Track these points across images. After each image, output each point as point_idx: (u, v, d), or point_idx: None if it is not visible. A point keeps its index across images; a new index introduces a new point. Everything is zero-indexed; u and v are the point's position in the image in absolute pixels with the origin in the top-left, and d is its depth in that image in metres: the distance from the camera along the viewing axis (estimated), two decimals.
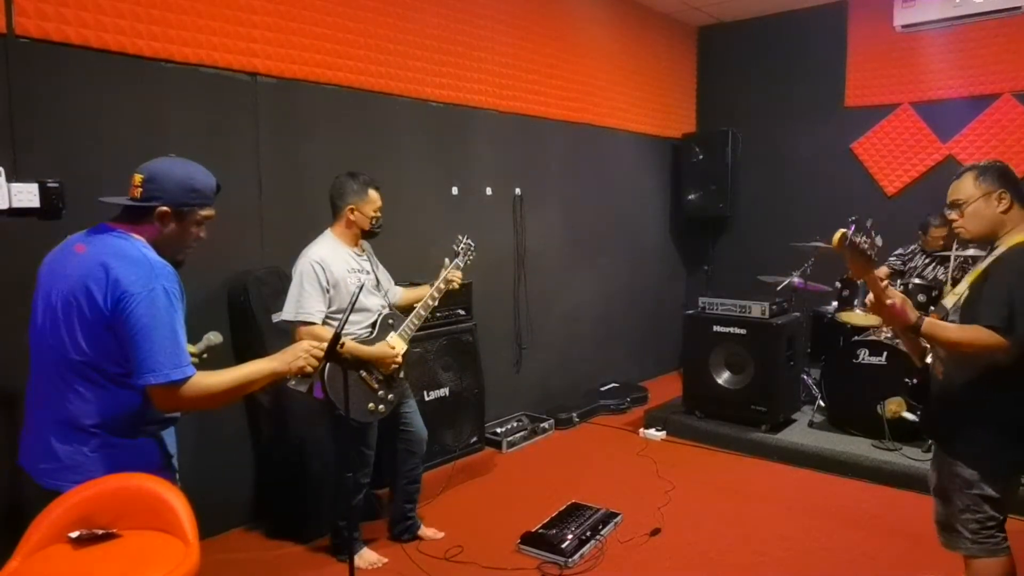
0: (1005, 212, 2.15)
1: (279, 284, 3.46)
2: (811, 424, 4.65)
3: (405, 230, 4.00)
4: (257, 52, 3.45)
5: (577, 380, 5.65)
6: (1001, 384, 2.09)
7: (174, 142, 3.01)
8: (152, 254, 1.80)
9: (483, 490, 3.99)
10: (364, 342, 2.98)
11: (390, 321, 3.09)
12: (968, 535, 2.18)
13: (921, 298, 4.19)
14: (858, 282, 4.58)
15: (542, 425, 4.90)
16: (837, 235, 1.81)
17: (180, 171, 1.86)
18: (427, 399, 4.07)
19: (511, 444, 4.60)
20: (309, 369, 1.98)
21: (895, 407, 4.17)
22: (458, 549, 3.26)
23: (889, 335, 4.40)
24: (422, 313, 3.13)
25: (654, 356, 6.52)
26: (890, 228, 5.04)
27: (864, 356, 4.36)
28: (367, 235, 3.11)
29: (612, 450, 4.64)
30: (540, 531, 3.31)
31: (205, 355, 2.18)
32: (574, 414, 5.13)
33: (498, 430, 4.71)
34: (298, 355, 1.96)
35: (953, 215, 2.26)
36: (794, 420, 4.75)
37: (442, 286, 3.15)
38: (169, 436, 1.93)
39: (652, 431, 4.86)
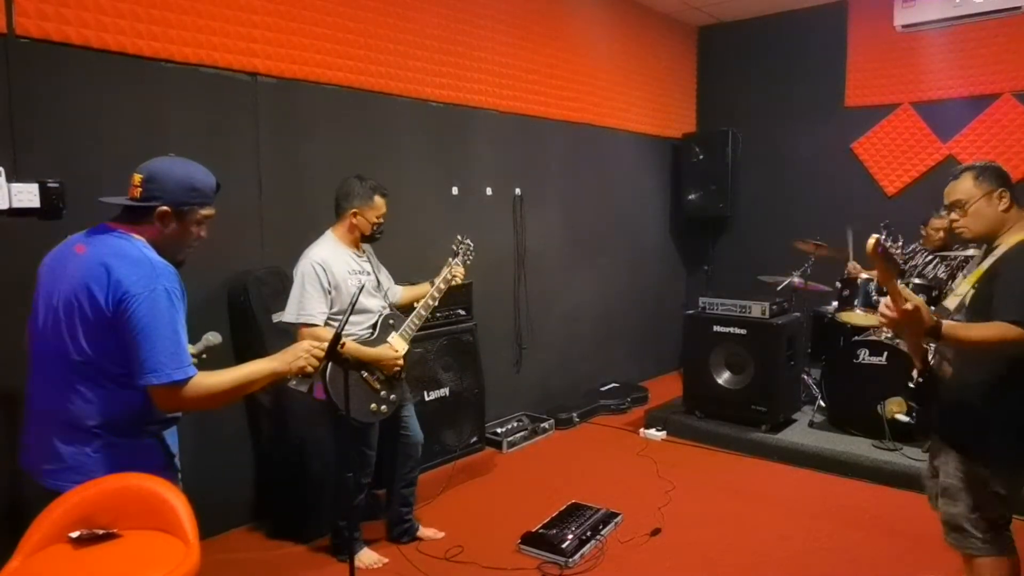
0: (1006, 211, 2.18)
1: (279, 284, 3.46)
2: (811, 424, 4.65)
3: (405, 230, 3.99)
4: (257, 52, 3.45)
5: (577, 380, 5.65)
6: (1016, 382, 2.10)
7: (174, 142, 3.01)
8: (153, 254, 1.80)
9: (483, 490, 3.99)
10: (365, 343, 2.98)
11: (391, 322, 3.09)
12: (979, 534, 2.19)
13: (921, 298, 4.18)
14: (858, 282, 4.58)
15: (542, 425, 4.90)
16: (872, 241, 1.82)
17: (180, 170, 1.86)
18: (427, 399, 4.07)
19: (511, 444, 4.60)
20: (309, 369, 1.98)
21: (895, 407, 4.16)
22: (458, 549, 3.26)
23: (889, 335, 4.40)
24: (423, 313, 3.13)
25: (654, 356, 6.52)
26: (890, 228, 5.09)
27: (864, 356, 4.36)
28: (367, 239, 3.11)
29: (612, 450, 4.64)
30: (540, 531, 3.31)
31: (204, 355, 2.18)
32: (574, 414, 5.13)
33: (498, 430, 4.71)
34: (298, 355, 1.96)
35: (954, 215, 2.26)
36: (794, 420, 4.75)
37: (442, 286, 3.15)
38: (171, 436, 1.93)
39: (652, 431, 4.86)
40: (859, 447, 4.23)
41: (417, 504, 3.43)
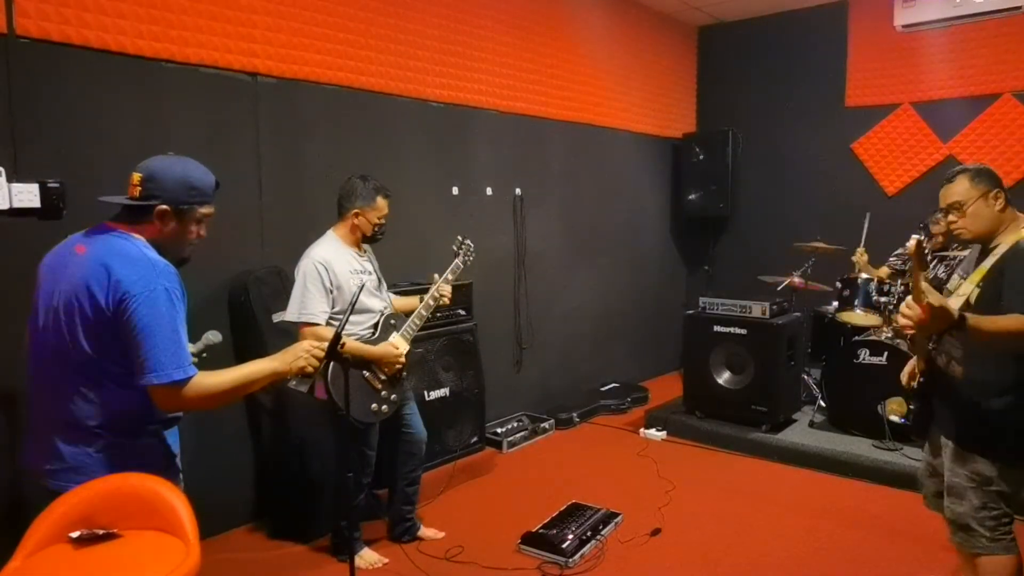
0: (1002, 211, 2.25)
1: (279, 284, 3.46)
2: (812, 424, 4.65)
3: (405, 230, 3.99)
4: (257, 52, 3.45)
5: (577, 380, 5.65)
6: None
7: (175, 142, 3.01)
8: (153, 254, 1.80)
9: (483, 490, 3.99)
10: (367, 343, 2.98)
11: (392, 321, 3.09)
12: (986, 533, 2.22)
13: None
14: (858, 282, 4.59)
15: (542, 425, 4.90)
16: (913, 242, 1.88)
17: (179, 169, 1.86)
18: (428, 399, 4.07)
19: (511, 444, 4.60)
20: (309, 369, 1.98)
21: (896, 407, 4.16)
22: (459, 549, 3.26)
23: (890, 335, 4.40)
24: (424, 313, 3.13)
25: (654, 356, 6.52)
26: (890, 228, 5.11)
27: (865, 356, 4.36)
28: (368, 240, 3.11)
29: (612, 450, 4.64)
30: (540, 531, 3.31)
31: (204, 354, 2.18)
32: (574, 414, 5.13)
33: (498, 430, 4.71)
34: (299, 355, 1.96)
35: (952, 217, 2.30)
36: (795, 420, 4.75)
37: (431, 302, 3.13)
38: (172, 436, 1.93)
39: (652, 431, 4.86)
40: (859, 447, 4.23)
41: (418, 503, 3.43)
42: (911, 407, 2.43)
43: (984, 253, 2.29)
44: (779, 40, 6.23)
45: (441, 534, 3.39)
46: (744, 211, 6.47)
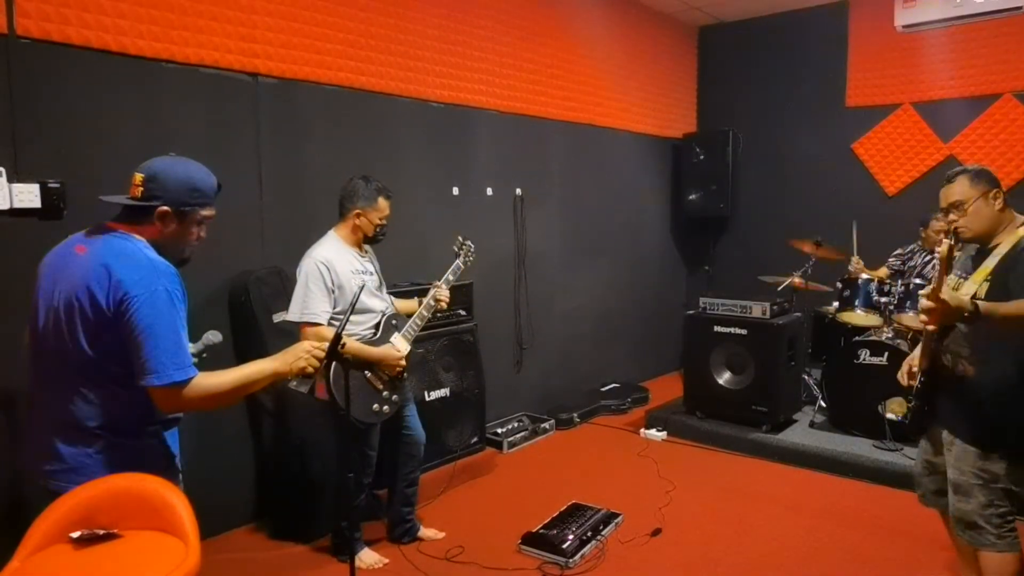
0: (1001, 210, 2.31)
1: (280, 284, 3.46)
2: (812, 424, 4.65)
3: (405, 230, 3.99)
4: (258, 52, 3.45)
5: (578, 380, 5.65)
6: None
7: (175, 142, 2.99)
8: (153, 254, 1.80)
9: (484, 490, 3.99)
10: (368, 343, 2.98)
11: (393, 322, 3.09)
12: (993, 530, 2.26)
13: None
14: (858, 282, 4.58)
15: (543, 425, 4.90)
16: (945, 247, 2.01)
17: (181, 170, 1.85)
18: (428, 399, 4.07)
19: (512, 444, 4.60)
20: (310, 370, 1.98)
21: (896, 407, 4.16)
22: (459, 549, 3.26)
23: (890, 335, 4.40)
24: (425, 314, 3.13)
25: (655, 356, 6.52)
26: (891, 228, 5.12)
27: (865, 356, 4.36)
28: (369, 241, 3.11)
29: (613, 450, 4.64)
30: (541, 531, 3.31)
31: (204, 355, 2.18)
32: (575, 414, 5.13)
33: (499, 430, 4.71)
34: (299, 356, 1.96)
35: (953, 216, 2.35)
36: (795, 420, 4.75)
37: (431, 303, 3.13)
38: (172, 437, 1.93)
39: (653, 431, 4.86)
40: (860, 447, 4.23)
41: (418, 504, 3.43)
42: (911, 406, 2.46)
43: (983, 252, 2.34)
44: (780, 40, 6.23)
45: (441, 534, 3.39)
46: (744, 211, 6.47)
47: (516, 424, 4.89)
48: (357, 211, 3.00)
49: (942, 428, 2.41)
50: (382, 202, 3.03)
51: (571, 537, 3.22)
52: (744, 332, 4.60)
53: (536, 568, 3.10)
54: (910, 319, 4.27)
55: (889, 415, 4.15)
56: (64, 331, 1.75)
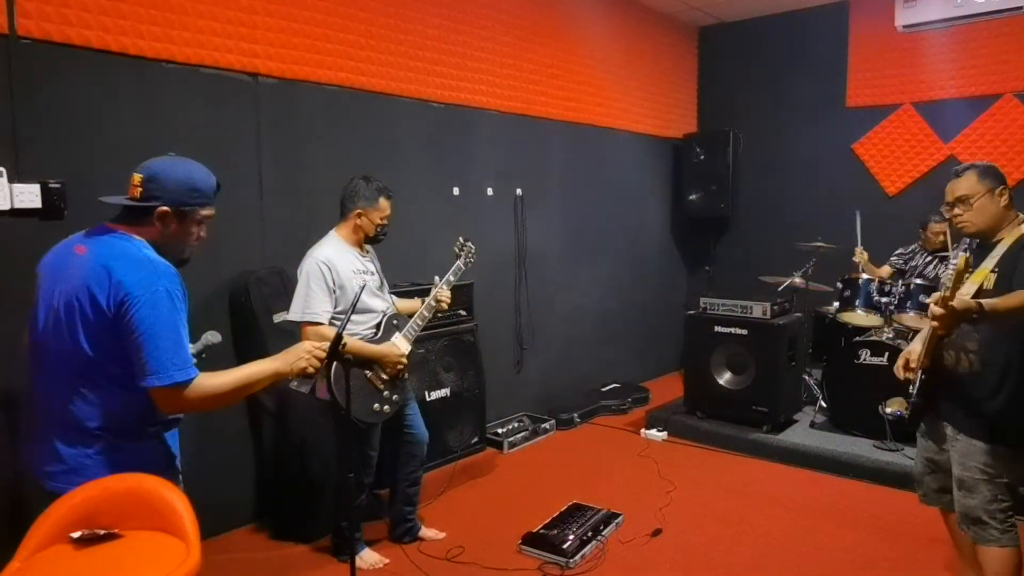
0: (1006, 208, 2.34)
1: (280, 284, 3.46)
2: (812, 425, 4.65)
3: (406, 231, 3.99)
4: (258, 52, 3.45)
5: (578, 380, 5.65)
6: None
7: (175, 142, 2.98)
8: (154, 255, 1.80)
9: (484, 490, 3.99)
10: (369, 343, 2.97)
11: (394, 322, 3.09)
12: (996, 525, 2.29)
13: (923, 298, 4.18)
14: (859, 282, 4.58)
15: (543, 426, 4.89)
16: (962, 260, 2.08)
17: (180, 170, 1.85)
18: (429, 399, 4.07)
19: (512, 444, 4.60)
20: (311, 370, 1.97)
21: (897, 407, 4.16)
22: (459, 549, 3.26)
23: (891, 335, 4.40)
24: (425, 314, 3.13)
25: (655, 356, 6.52)
26: (891, 228, 5.12)
27: (866, 356, 4.36)
28: (370, 241, 3.11)
29: (613, 451, 4.64)
30: (541, 531, 3.31)
31: (204, 355, 2.17)
32: (575, 414, 5.13)
33: (499, 430, 4.71)
34: (300, 356, 1.95)
35: (957, 210, 2.38)
36: (795, 421, 4.75)
37: (432, 303, 3.12)
38: (172, 437, 1.93)
39: (653, 431, 4.86)
40: (860, 448, 4.22)
41: (419, 504, 3.43)
42: (911, 401, 2.48)
43: (985, 248, 2.36)
44: (780, 40, 6.23)
45: (442, 535, 3.39)
46: (745, 211, 6.47)
47: (516, 424, 4.89)
48: (358, 211, 3.00)
49: (946, 423, 2.43)
50: (383, 202, 3.03)
51: (571, 537, 3.22)
52: (745, 332, 4.60)
53: (536, 568, 3.10)
54: (911, 319, 4.27)
55: (889, 410, 4.15)
56: (64, 332, 1.75)
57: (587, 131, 5.54)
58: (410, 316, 3.15)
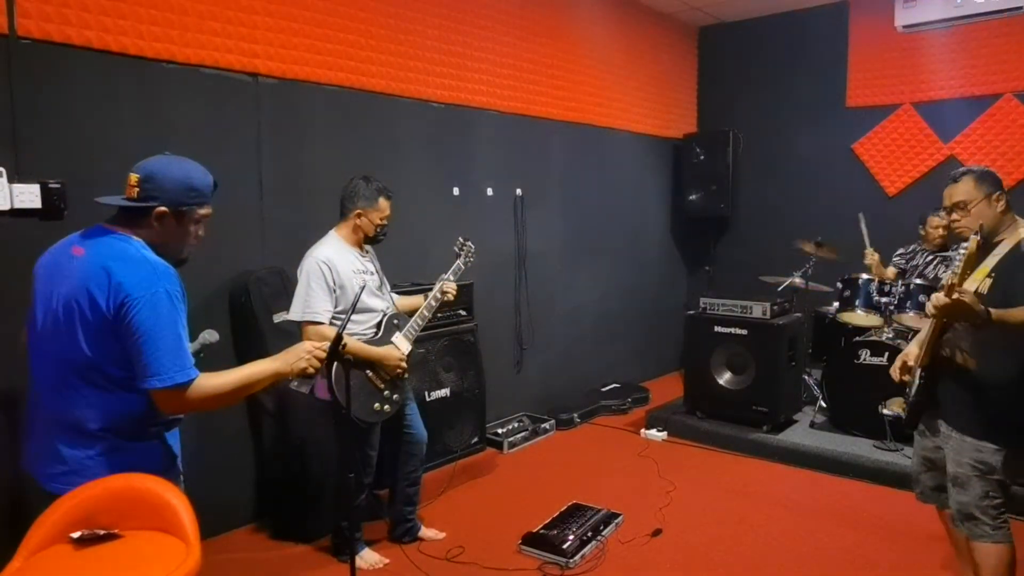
0: (1003, 213, 2.36)
1: (280, 284, 3.46)
2: (812, 425, 4.65)
3: (406, 230, 3.99)
4: (258, 52, 3.45)
5: (578, 380, 5.65)
6: None
7: (175, 142, 3.00)
8: (152, 256, 1.79)
9: (484, 491, 3.99)
10: (369, 343, 2.97)
11: (395, 322, 3.09)
12: (989, 522, 2.31)
13: (922, 299, 4.18)
14: (859, 282, 4.58)
15: (543, 426, 4.90)
16: (974, 243, 2.11)
17: (177, 170, 1.83)
18: (429, 399, 4.07)
19: (512, 444, 4.60)
20: (311, 371, 1.97)
21: (897, 405, 4.16)
22: (459, 550, 3.26)
23: (891, 335, 4.40)
24: (426, 314, 3.13)
25: (655, 356, 6.52)
26: (891, 228, 5.11)
27: (866, 357, 4.36)
28: (370, 241, 3.11)
29: (613, 451, 4.64)
30: (541, 532, 3.31)
31: (202, 354, 2.17)
32: (575, 414, 5.13)
33: (499, 430, 4.71)
34: (300, 356, 1.95)
35: (955, 216, 2.40)
36: (795, 421, 4.75)
37: (433, 303, 3.13)
38: (173, 438, 1.93)
39: (653, 431, 4.86)
40: (860, 448, 4.23)
41: (419, 504, 3.43)
42: (909, 401, 2.49)
43: (984, 250, 2.36)
44: (780, 40, 6.23)
45: (442, 535, 3.39)
46: (745, 211, 6.47)
47: (516, 424, 4.89)
48: (358, 211, 3.00)
49: (941, 420, 2.45)
50: (383, 202, 3.03)
51: (571, 537, 3.22)
52: (745, 332, 4.60)
53: (536, 568, 3.10)
54: (910, 319, 4.27)
55: (887, 411, 4.14)
56: (63, 334, 1.74)
57: (587, 131, 5.54)
58: (411, 314, 3.15)
